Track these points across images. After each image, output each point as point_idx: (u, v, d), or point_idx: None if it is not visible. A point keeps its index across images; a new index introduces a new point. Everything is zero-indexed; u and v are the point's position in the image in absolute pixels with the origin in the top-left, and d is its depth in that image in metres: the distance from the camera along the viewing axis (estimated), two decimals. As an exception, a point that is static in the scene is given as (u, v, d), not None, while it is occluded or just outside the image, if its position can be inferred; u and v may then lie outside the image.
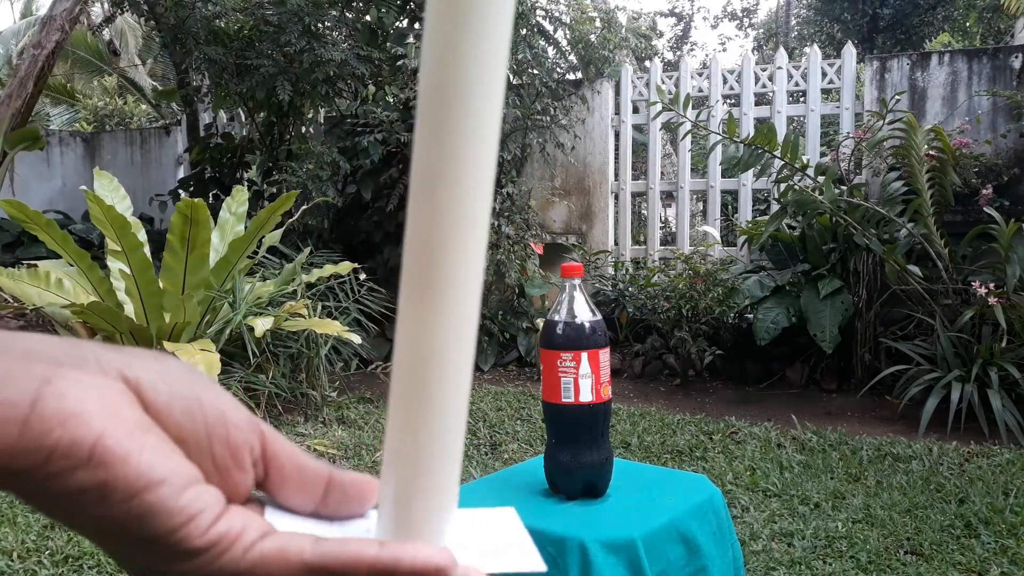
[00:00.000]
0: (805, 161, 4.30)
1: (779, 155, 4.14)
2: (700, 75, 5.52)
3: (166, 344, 3.46)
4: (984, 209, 4.20)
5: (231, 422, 0.29)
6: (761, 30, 20.43)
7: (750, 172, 4.90)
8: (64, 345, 0.27)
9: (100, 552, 2.37)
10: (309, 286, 4.29)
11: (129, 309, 3.78)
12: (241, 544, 0.28)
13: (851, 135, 4.85)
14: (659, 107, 4.29)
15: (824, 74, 5.17)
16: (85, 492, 0.26)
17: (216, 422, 0.29)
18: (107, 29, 9.62)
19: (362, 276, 4.45)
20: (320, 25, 5.18)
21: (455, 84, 0.29)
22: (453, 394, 0.31)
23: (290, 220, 4.43)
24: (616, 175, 5.80)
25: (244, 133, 6.34)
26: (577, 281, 1.41)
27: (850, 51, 5.14)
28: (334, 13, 5.31)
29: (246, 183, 5.82)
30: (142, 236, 3.79)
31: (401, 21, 5.58)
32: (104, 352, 0.28)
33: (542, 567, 0.31)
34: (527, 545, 0.33)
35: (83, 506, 0.26)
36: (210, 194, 5.93)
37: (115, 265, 3.90)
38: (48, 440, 0.25)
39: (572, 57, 5.75)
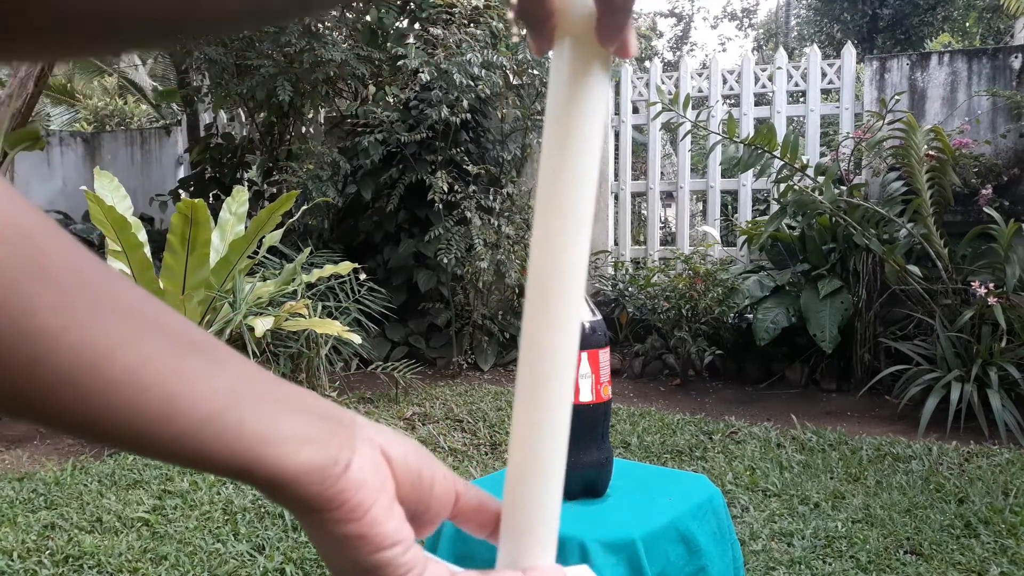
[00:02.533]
0: (805, 161, 4.30)
1: (779, 155, 4.14)
2: (700, 75, 5.52)
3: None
4: (984, 209, 4.20)
5: (436, 494, 0.41)
6: (761, 30, 20.43)
7: (750, 172, 4.90)
8: (351, 415, 0.39)
9: (100, 552, 2.37)
10: (309, 286, 4.29)
11: (129, 309, 3.77)
12: None
13: (851, 135, 4.85)
14: (659, 107, 4.29)
15: (824, 74, 5.17)
16: (349, 539, 0.36)
17: (427, 492, 0.41)
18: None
19: (362, 276, 4.46)
20: (320, 25, 5.18)
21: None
22: (554, 478, 0.41)
23: (290, 220, 4.44)
24: (616, 175, 5.80)
25: (244, 133, 6.34)
26: (577, 281, 1.41)
27: (850, 51, 5.15)
28: (334, 13, 5.31)
29: (246, 183, 5.83)
30: (142, 236, 3.79)
31: (401, 21, 5.58)
32: (372, 428, 0.39)
33: None
34: None
35: (345, 547, 0.37)
36: (210, 194, 5.93)
37: (115, 265, 3.90)
38: (344, 496, 0.36)
39: (572, 57, 5.75)
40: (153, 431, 0.31)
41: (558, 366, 0.40)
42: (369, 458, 0.38)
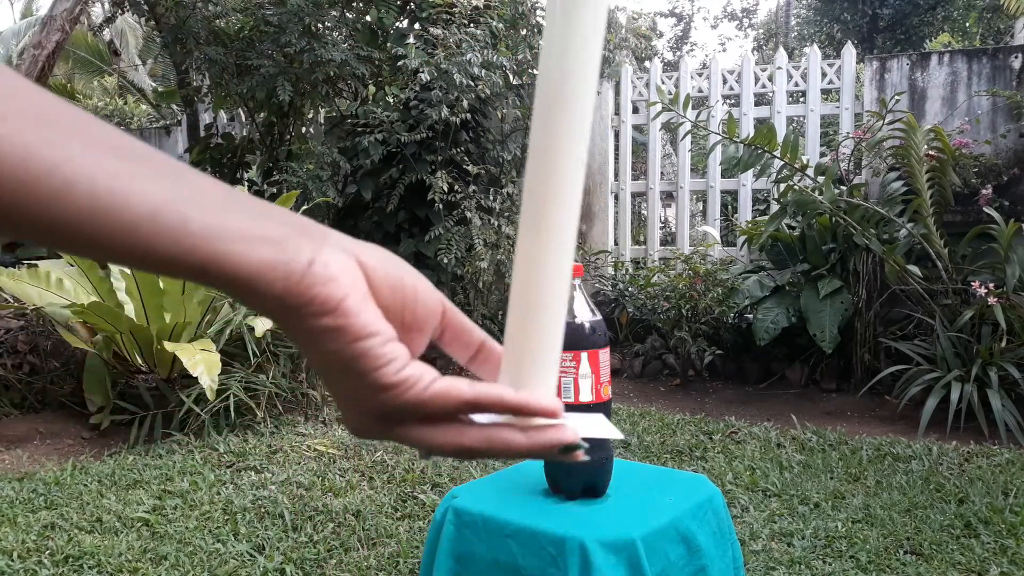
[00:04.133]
0: (805, 161, 4.30)
1: (779, 155, 4.14)
2: (700, 75, 5.52)
3: (166, 344, 3.47)
4: (984, 209, 4.20)
5: (421, 300, 0.42)
6: (761, 30, 20.42)
7: (750, 172, 4.90)
8: (324, 228, 0.39)
9: (100, 552, 2.37)
10: (309, 286, 4.29)
11: (129, 309, 3.78)
12: (421, 383, 0.39)
13: (851, 135, 4.85)
14: (659, 107, 4.29)
15: (824, 74, 5.17)
16: (326, 332, 0.37)
17: (411, 299, 0.41)
18: (107, 29, 9.62)
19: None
20: (320, 25, 5.18)
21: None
22: (557, 292, 0.43)
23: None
24: (616, 175, 5.80)
25: (244, 133, 6.34)
26: (577, 281, 1.41)
27: (850, 51, 5.15)
28: (334, 13, 5.31)
29: (246, 183, 5.83)
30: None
31: (401, 21, 5.58)
32: (345, 239, 0.39)
33: (619, 435, 0.46)
34: (611, 429, 0.46)
35: (322, 341, 0.37)
36: (210, 194, 5.92)
37: (116, 266, 3.90)
38: (313, 291, 0.36)
39: (572, 57, 5.74)
40: (86, 227, 0.33)
41: (563, 193, 0.41)
42: (337, 259, 0.38)
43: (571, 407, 1.39)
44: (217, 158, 6.07)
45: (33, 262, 4.07)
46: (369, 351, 0.38)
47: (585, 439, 0.43)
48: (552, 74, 0.41)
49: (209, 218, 0.35)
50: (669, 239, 6.20)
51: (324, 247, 0.38)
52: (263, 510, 2.70)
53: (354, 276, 0.38)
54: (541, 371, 0.43)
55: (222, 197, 0.36)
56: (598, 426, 0.46)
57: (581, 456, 0.43)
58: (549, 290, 0.42)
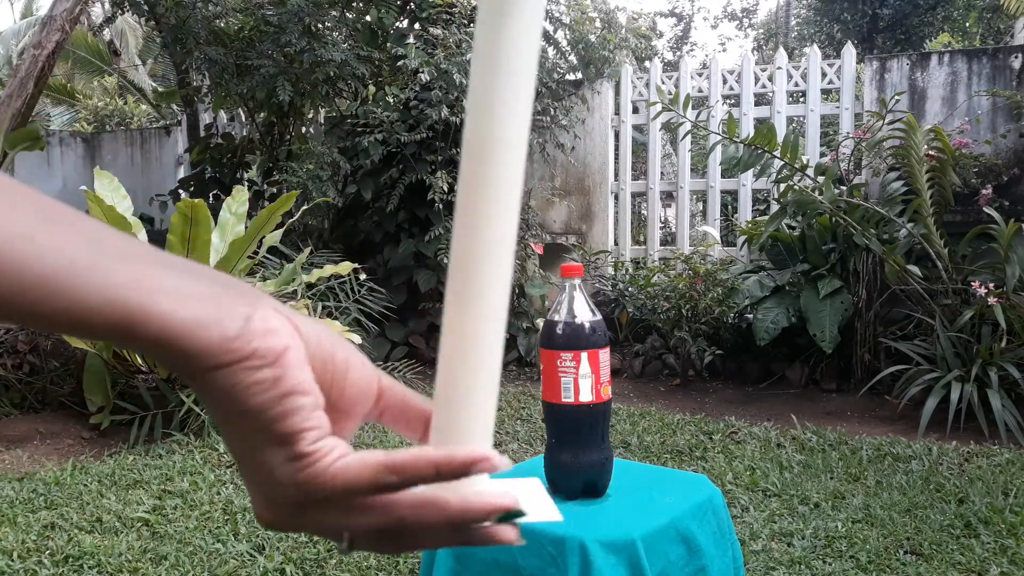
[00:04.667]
0: (805, 161, 4.30)
1: (779, 155, 4.14)
2: (700, 75, 5.52)
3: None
4: (984, 209, 4.20)
5: (352, 379, 0.39)
6: (761, 30, 20.42)
7: (750, 172, 4.90)
8: (257, 291, 0.37)
9: (100, 552, 2.37)
10: (309, 286, 4.29)
11: (129, 309, 3.77)
12: (331, 456, 0.36)
13: (851, 135, 4.85)
14: (659, 107, 4.29)
15: (824, 74, 5.17)
16: (259, 384, 0.34)
17: (340, 376, 0.38)
18: (107, 29, 9.62)
19: (362, 276, 4.45)
20: (320, 25, 5.18)
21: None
22: (488, 357, 0.39)
23: (290, 220, 4.43)
24: (616, 175, 5.80)
25: (244, 133, 6.34)
26: (577, 281, 1.41)
27: (850, 51, 5.15)
28: (334, 13, 5.31)
29: (246, 183, 5.82)
30: (142, 236, 3.79)
31: (401, 21, 5.58)
32: (279, 304, 0.37)
33: (559, 517, 0.41)
34: (548, 502, 0.41)
35: (251, 396, 0.34)
36: (210, 194, 5.92)
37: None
38: (253, 344, 0.34)
39: (572, 57, 5.75)
40: (15, 297, 0.32)
41: (491, 256, 0.39)
42: (275, 316, 0.36)
43: (571, 407, 1.39)
44: (217, 158, 6.07)
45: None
46: (298, 410, 0.35)
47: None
48: (479, 129, 0.40)
49: (136, 272, 0.34)
50: (669, 239, 6.20)
51: (260, 306, 0.36)
52: (263, 510, 2.70)
53: (293, 334, 0.36)
54: (471, 432, 0.39)
55: (152, 256, 0.35)
56: (535, 498, 0.41)
57: (515, 538, 0.39)
58: (477, 361, 0.39)
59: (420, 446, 0.39)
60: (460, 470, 0.37)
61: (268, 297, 0.37)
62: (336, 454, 0.36)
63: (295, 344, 0.36)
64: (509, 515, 0.38)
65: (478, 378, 0.39)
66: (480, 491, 0.38)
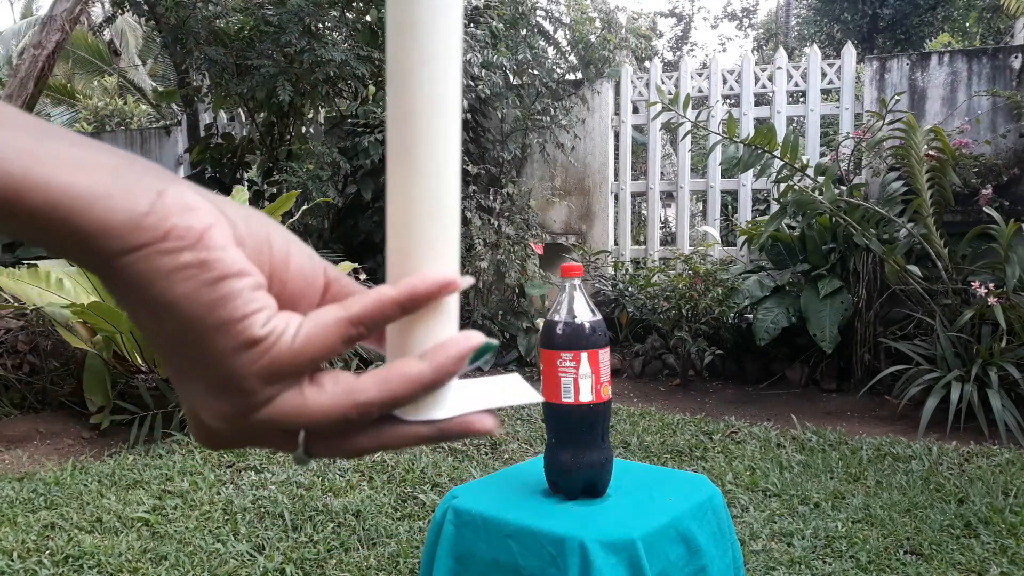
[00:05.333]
0: (805, 161, 4.30)
1: (779, 155, 4.14)
2: (700, 75, 5.52)
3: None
4: (984, 209, 4.20)
5: (294, 268, 0.34)
6: (761, 30, 20.43)
7: (750, 172, 4.90)
8: (170, 172, 0.32)
9: (100, 552, 2.37)
10: (309, 286, 4.28)
11: (129, 309, 3.77)
12: (289, 332, 0.32)
13: (851, 135, 4.85)
14: (659, 107, 4.29)
15: (824, 74, 5.17)
16: (186, 268, 0.29)
17: (280, 265, 0.33)
18: (107, 29, 9.62)
19: (362, 276, 4.45)
20: (320, 25, 5.18)
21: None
22: (439, 186, 0.35)
23: (290, 220, 4.44)
24: (616, 175, 5.80)
25: (244, 133, 6.34)
26: (577, 281, 1.41)
27: (850, 51, 5.15)
28: (334, 13, 5.31)
29: (246, 183, 5.82)
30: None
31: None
32: (200, 188, 0.32)
33: (538, 397, 0.37)
34: (527, 387, 0.38)
35: (173, 285, 0.29)
36: (210, 194, 5.92)
37: None
38: (168, 222, 0.29)
39: (572, 57, 5.75)
40: None
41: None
42: (192, 194, 0.31)
43: (571, 407, 1.39)
44: (217, 158, 6.07)
45: (33, 262, 4.07)
46: (238, 293, 0.30)
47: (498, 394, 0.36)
48: None
49: (20, 140, 0.29)
50: (669, 239, 6.20)
51: (173, 182, 0.31)
52: (263, 510, 2.70)
53: (216, 213, 0.31)
54: (430, 256, 0.35)
55: (42, 125, 0.30)
56: (513, 385, 0.38)
57: (493, 427, 0.36)
58: (427, 190, 0.35)
59: (379, 290, 0.34)
60: (425, 299, 0.34)
61: (183, 179, 0.32)
62: (294, 327, 0.32)
63: (219, 223, 0.31)
64: (481, 351, 0.35)
65: (431, 209, 0.35)
66: (442, 343, 0.34)
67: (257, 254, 0.32)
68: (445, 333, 0.35)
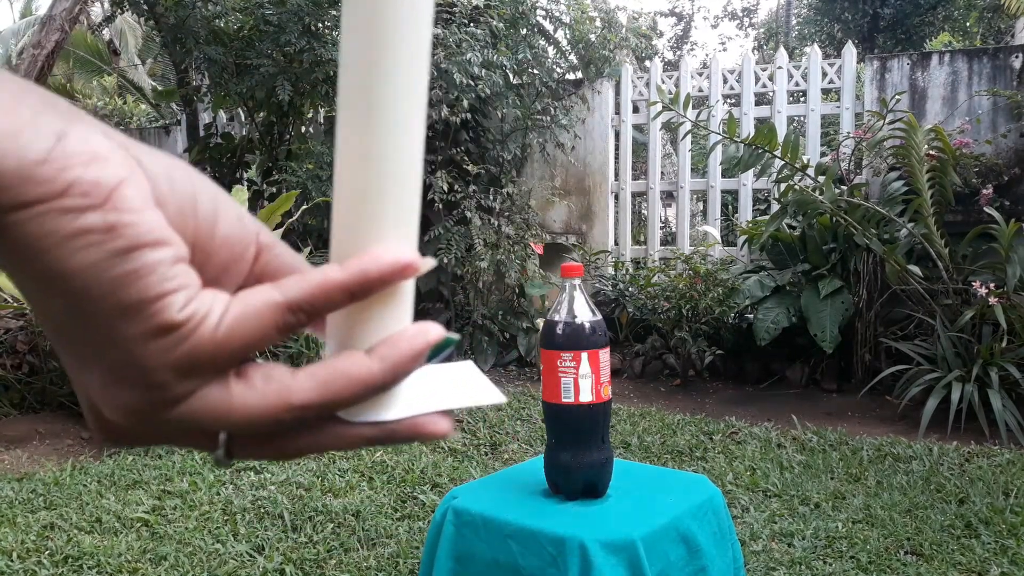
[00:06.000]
0: (805, 161, 4.30)
1: (779, 155, 4.14)
2: (700, 75, 5.51)
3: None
4: (984, 209, 4.20)
5: (222, 231, 0.28)
6: (761, 30, 20.43)
7: (750, 172, 4.90)
8: (76, 108, 0.26)
9: (99, 552, 2.37)
10: (309, 286, 4.28)
11: (129, 309, 3.77)
12: (212, 318, 0.26)
13: (851, 135, 4.84)
14: (659, 107, 4.29)
15: (824, 74, 5.16)
16: (88, 233, 0.24)
17: (206, 228, 0.28)
18: (107, 29, 9.62)
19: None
20: (320, 25, 5.18)
21: None
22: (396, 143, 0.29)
23: (290, 220, 4.43)
24: (616, 175, 5.80)
25: (244, 133, 6.34)
26: (577, 281, 1.41)
27: (850, 51, 5.14)
28: (334, 13, 5.31)
29: (246, 183, 5.82)
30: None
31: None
32: (113, 130, 0.27)
33: (502, 399, 0.33)
34: (487, 384, 0.33)
35: (75, 251, 0.24)
36: (210, 194, 5.92)
37: None
38: (69, 175, 0.24)
39: (572, 57, 5.75)
40: None
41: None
42: (100, 139, 0.25)
43: (571, 407, 1.38)
44: (217, 158, 6.07)
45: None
46: (153, 267, 0.25)
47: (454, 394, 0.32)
48: None
49: None
50: (669, 239, 6.19)
51: (79, 122, 0.25)
52: (263, 510, 2.70)
53: (130, 165, 0.26)
54: (385, 231, 0.30)
55: None
56: (471, 380, 0.33)
57: (448, 430, 0.31)
58: (379, 152, 0.29)
59: (323, 271, 0.29)
60: (378, 284, 0.29)
61: (92, 118, 0.26)
62: (219, 310, 0.27)
63: (134, 178, 0.25)
64: (440, 347, 0.30)
65: (392, 172, 0.29)
66: (394, 337, 0.30)
67: (180, 217, 0.27)
68: (398, 324, 0.31)
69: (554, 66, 5.45)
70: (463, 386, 0.33)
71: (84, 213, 0.24)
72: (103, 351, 0.26)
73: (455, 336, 0.31)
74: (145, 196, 0.25)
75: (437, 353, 0.31)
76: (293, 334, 0.28)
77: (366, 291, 0.29)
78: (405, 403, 0.31)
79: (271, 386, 0.28)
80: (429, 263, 0.30)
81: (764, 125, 4.59)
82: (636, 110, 5.74)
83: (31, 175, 0.23)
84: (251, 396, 0.28)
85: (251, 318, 0.27)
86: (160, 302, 0.25)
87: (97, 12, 10.84)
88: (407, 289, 0.31)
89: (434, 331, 0.30)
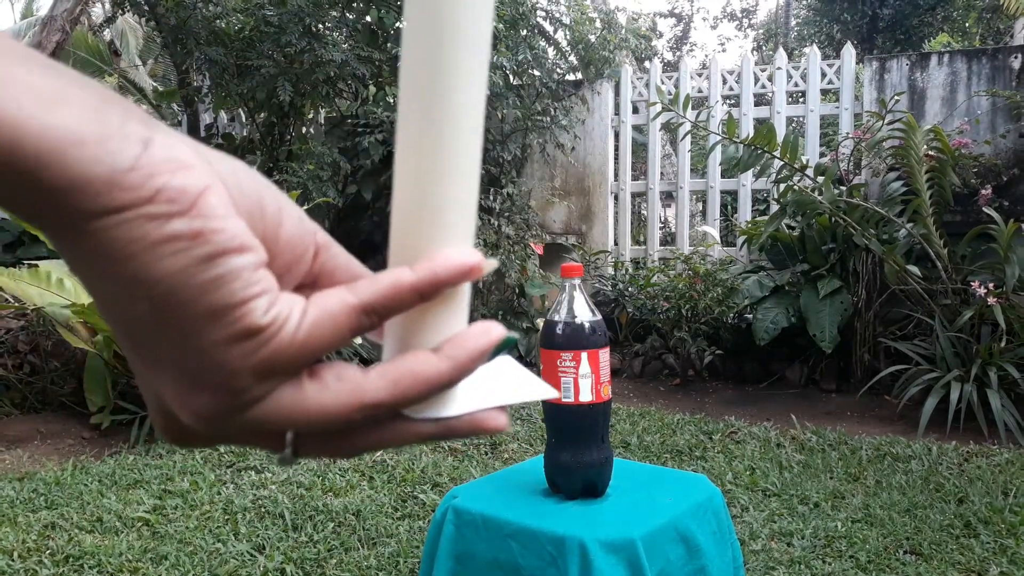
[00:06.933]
0: (804, 161, 4.31)
1: (778, 155, 4.14)
2: (700, 75, 5.52)
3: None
4: (983, 209, 4.20)
5: (286, 231, 0.29)
6: (761, 30, 20.43)
7: (750, 172, 4.90)
8: (150, 116, 0.26)
9: (100, 552, 2.37)
10: (309, 286, 4.29)
11: (130, 309, 3.77)
12: (292, 321, 0.27)
13: (850, 135, 4.85)
14: (659, 107, 4.30)
15: (823, 74, 5.17)
16: (176, 240, 0.24)
17: (272, 228, 0.29)
18: (108, 29, 9.63)
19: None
20: (321, 26, 5.18)
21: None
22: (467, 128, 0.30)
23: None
24: (616, 175, 5.80)
25: (245, 134, 6.34)
26: (577, 281, 1.41)
27: (849, 51, 5.15)
28: (334, 14, 5.32)
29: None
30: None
31: (401, 22, 5.58)
32: (189, 138, 0.27)
33: (555, 393, 0.34)
34: (536, 379, 0.34)
35: (163, 257, 0.24)
36: (210, 194, 5.92)
37: None
38: (157, 181, 0.24)
39: (572, 58, 5.75)
40: None
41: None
42: (181, 146, 0.26)
43: (571, 407, 1.39)
44: (217, 158, 6.07)
45: (33, 262, 4.07)
46: (238, 273, 0.26)
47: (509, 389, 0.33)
48: None
49: None
50: (669, 239, 6.20)
51: (159, 130, 0.26)
52: (263, 510, 2.71)
53: (210, 171, 0.26)
54: (446, 233, 0.30)
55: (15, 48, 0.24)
56: (518, 376, 0.34)
57: (504, 425, 0.32)
58: (446, 157, 0.30)
59: (394, 273, 0.30)
60: (446, 285, 0.29)
61: (169, 127, 0.27)
62: (298, 314, 0.27)
63: (216, 185, 0.26)
64: (502, 346, 0.31)
65: (455, 172, 0.30)
66: (459, 336, 0.30)
67: (250, 220, 0.27)
68: (458, 324, 0.31)
69: (554, 67, 5.45)
70: (514, 381, 0.34)
71: (171, 219, 0.24)
72: (184, 355, 0.26)
73: (515, 335, 0.32)
74: (227, 203, 0.26)
75: (499, 352, 0.32)
76: (362, 336, 0.29)
77: (435, 293, 0.29)
78: (464, 399, 0.32)
79: (344, 386, 0.29)
80: (492, 264, 0.31)
81: (763, 126, 4.60)
82: (636, 111, 5.75)
83: (120, 182, 0.24)
84: (325, 396, 0.28)
85: (328, 321, 0.28)
86: (245, 307, 0.26)
87: (98, 13, 10.84)
88: (466, 290, 0.32)
89: (496, 330, 0.31)
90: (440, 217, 0.30)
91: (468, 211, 0.31)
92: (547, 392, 0.34)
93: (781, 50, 5.55)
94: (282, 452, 0.30)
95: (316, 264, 0.31)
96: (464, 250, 0.30)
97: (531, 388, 0.34)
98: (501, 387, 0.33)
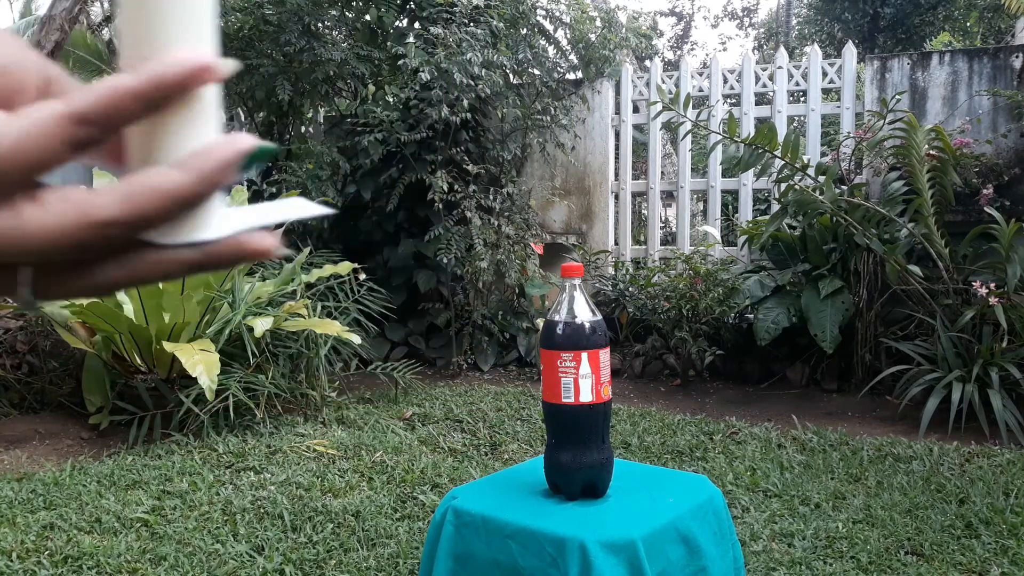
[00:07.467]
0: (805, 161, 4.30)
1: (779, 155, 4.13)
2: (700, 75, 5.51)
3: (165, 344, 3.46)
4: (985, 209, 4.20)
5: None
6: (761, 29, 20.43)
7: (750, 172, 4.89)
8: None
9: (99, 552, 2.36)
10: (309, 286, 4.29)
11: (128, 309, 3.77)
12: None
13: (852, 135, 4.84)
14: (659, 107, 4.29)
15: (825, 74, 5.16)
16: None
17: None
18: (107, 28, 9.61)
19: (362, 276, 4.45)
20: (320, 25, 5.17)
21: None
22: None
23: (289, 220, 4.42)
24: (616, 175, 5.79)
25: (243, 132, 6.33)
26: (577, 281, 1.40)
27: (851, 51, 5.14)
28: (334, 13, 5.31)
29: (245, 183, 5.81)
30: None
31: (401, 21, 5.57)
32: None
33: (322, 209, 0.31)
34: (314, 205, 0.32)
35: None
36: (210, 194, 5.91)
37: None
38: None
39: (572, 57, 5.74)
40: None
41: None
42: None
43: (571, 407, 1.38)
44: (217, 158, 6.06)
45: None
46: None
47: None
48: None
49: None
50: (669, 239, 6.19)
51: None
52: (262, 510, 2.70)
53: None
54: (179, 32, 0.28)
55: None
56: (301, 205, 0.32)
57: (273, 247, 0.30)
58: None
59: (108, 80, 0.26)
60: (175, 89, 0.26)
61: None
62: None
63: None
64: (255, 157, 0.29)
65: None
66: (201, 150, 0.28)
67: None
68: (204, 139, 0.28)
69: (554, 66, 5.44)
70: (288, 207, 0.31)
71: None
72: None
73: (271, 145, 0.29)
74: None
75: (251, 163, 0.29)
76: (83, 150, 0.26)
77: (163, 97, 0.26)
78: (223, 223, 0.30)
79: (67, 205, 0.26)
80: (230, 64, 0.28)
81: (764, 125, 4.59)
82: (636, 110, 5.74)
83: None
84: (46, 217, 0.26)
85: (35, 132, 0.25)
86: None
87: (97, 12, 10.83)
88: (210, 100, 0.29)
89: (244, 140, 0.28)
90: (173, 20, 0.28)
91: (203, 10, 0.29)
92: (315, 209, 0.31)
93: (782, 49, 5.54)
94: (20, 291, 0.27)
95: (51, 93, 0.28)
96: (195, 49, 0.27)
97: (302, 210, 0.31)
98: (268, 210, 0.31)
